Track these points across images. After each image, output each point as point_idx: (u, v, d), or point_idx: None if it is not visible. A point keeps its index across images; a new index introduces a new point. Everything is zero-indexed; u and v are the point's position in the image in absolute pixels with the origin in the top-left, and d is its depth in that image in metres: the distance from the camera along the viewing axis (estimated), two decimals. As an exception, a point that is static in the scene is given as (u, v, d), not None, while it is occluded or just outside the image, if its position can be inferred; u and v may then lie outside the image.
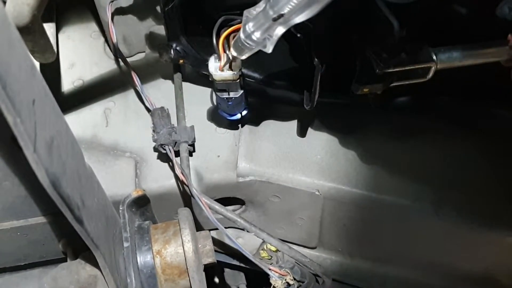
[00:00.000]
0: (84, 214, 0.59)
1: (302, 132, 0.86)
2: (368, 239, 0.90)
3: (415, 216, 0.82)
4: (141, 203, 0.79)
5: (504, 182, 0.81)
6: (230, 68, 0.69)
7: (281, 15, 0.51)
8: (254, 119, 0.87)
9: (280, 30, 0.54)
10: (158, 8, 0.91)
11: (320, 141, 0.86)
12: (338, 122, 0.87)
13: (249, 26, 0.57)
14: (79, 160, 0.61)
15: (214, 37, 0.66)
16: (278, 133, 0.87)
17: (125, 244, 0.72)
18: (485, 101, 0.84)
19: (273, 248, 0.96)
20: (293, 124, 0.88)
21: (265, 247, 0.97)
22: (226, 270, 1.18)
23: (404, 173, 0.83)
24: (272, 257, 0.97)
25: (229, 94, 0.74)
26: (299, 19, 0.51)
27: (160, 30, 0.92)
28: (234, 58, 0.66)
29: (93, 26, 1.04)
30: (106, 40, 1.00)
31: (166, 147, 0.79)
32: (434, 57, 0.67)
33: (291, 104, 0.85)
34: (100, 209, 0.68)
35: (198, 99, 0.90)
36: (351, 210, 0.84)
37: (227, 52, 0.67)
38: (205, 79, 0.91)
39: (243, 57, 0.63)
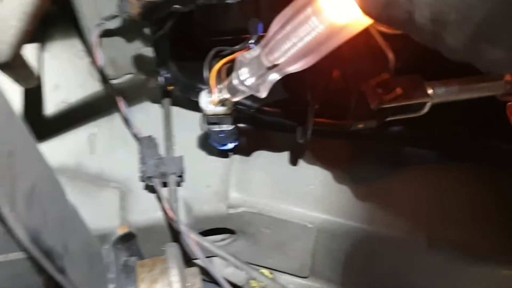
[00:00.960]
0: (67, 263, 0.55)
1: (294, 161, 0.84)
2: (361, 270, 0.88)
3: (408, 250, 0.80)
4: (127, 239, 0.76)
5: (498, 217, 0.80)
6: (223, 103, 0.66)
7: (276, 65, 0.49)
8: (245, 147, 0.85)
9: (274, 77, 0.52)
10: (146, 30, 0.88)
11: (313, 170, 0.84)
12: (331, 151, 0.85)
13: (243, 72, 0.54)
14: (62, 203, 0.58)
15: (207, 70, 0.63)
16: (271, 161, 0.84)
17: (110, 286, 0.69)
18: (481, 133, 0.82)
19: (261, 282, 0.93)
20: (286, 153, 0.85)
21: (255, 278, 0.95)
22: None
23: (398, 205, 0.81)
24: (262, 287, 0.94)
25: (220, 128, 0.71)
26: (293, 69, 0.49)
27: (148, 52, 0.89)
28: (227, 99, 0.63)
29: (79, 44, 1.00)
30: (92, 60, 0.96)
31: (153, 180, 0.76)
32: (430, 92, 0.65)
33: (284, 131, 0.83)
34: (84, 250, 0.65)
35: (188, 124, 0.87)
36: (344, 242, 0.82)
37: (219, 86, 0.64)
38: (195, 105, 0.88)
39: (236, 99, 0.60)
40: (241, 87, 0.55)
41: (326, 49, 0.45)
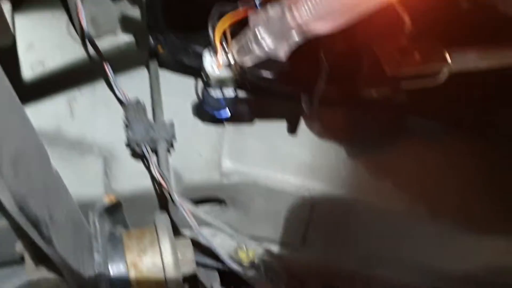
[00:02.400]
0: (53, 231, 0.51)
1: (292, 130, 0.79)
2: (356, 242, 0.85)
3: (409, 222, 0.77)
4: (113, 209, 0.71)
5: (499, 188, 0.78)
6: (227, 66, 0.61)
7: (301, 25, 0.44)
8: (240, 114, 0.80)
9: (297, 38, 0.47)
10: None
11: (310, 139, 0.80)
12: (329, 120, 0.81)
13: (261, 31, 0.49)
14: (47, 168, 0.53)
15: (210, 30, 0.58)
16: (266, 130, 0.80)
17: (96, 256, 0.64)
18: (486, 106, 0.80)
19: (252, 251, 0.90)
20: (282, 121, 0.81)
21: (244, 247, 0.91)
22: (199, 268, 1.11)
23: (398, 176, 0.78)
24: (252, 258, 0.91)
25: (222, 92, 0.66)
26: (320, 29, 0.44)
27: (135, 12, 0.82)
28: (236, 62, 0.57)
29: (55, 1, 0.92)
30: (70, 19, 0.88)
31: (143, 146, 0.70)
32: (449, 59, 0.62)
33: (281, 98, 0.78)
34: (68, 218, 0.60)
35: (177, 89, 0.81)
36: (341, 213, 0.79)
37: (226, 48, 0.58)
38: (185, 67, 0.82)
39: (248, 63, 0.55)
40: (257, 49, 0.50)
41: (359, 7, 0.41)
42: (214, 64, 0.61)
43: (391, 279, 0.93)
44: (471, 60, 0.61)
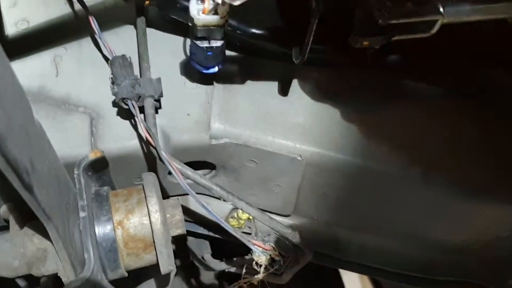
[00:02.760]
0: (34, 180, 0.48)
1: (284, 91, 0.77)
2: (348, 208, 0.84)
3: (402, 185, 0.76)
4: (99, 167, 0.69)
5: (496, 151, 0.77)
6: (216, 11, 0.58)
7: None
8: (230, 74, 0.77)
9: None
10: None
11: (303, 101, 0.78)
12: (324, 80, 0.79)
13: None
14: (28, 115, 0.50)
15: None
16: (257, 90, 0.78)
17: (81, 214, 0.62)
18: (484, 65, 0.78)
19: (245, 216, 0.89)
20: (274, 81, 0.78)
21: (235, 215, 0.90)
22: (190, 238, 1.10)
23: (393, 138, 0.76)
24: (243, 225, 0.89)
25: (209, 43, 0.64)
26: None
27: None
28: (223, 2, 0.55)
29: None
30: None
31: (129, 102, 0.68)
32: (441, 10, 0.60)
33: (273, 58, 0.76)
34: (52, 173, 0.58)
35: (164, 48, 0.79)
36: (334, 177, 0.77)
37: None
38: (172, 25, 0.79)
39: (237, 2, 0.52)
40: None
41: None
42: (201, 9, 0.59)
43: (384, 248, 0.92)
44: (464, 12, 0.59)
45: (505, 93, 0.80)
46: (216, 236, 0.91)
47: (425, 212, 0.81)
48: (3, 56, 0.44)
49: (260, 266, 0.64)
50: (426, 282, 0.96)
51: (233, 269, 0.94)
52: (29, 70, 0.77)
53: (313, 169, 0.77)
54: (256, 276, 0.66)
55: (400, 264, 0.94)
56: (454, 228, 0.85)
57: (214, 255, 1.08)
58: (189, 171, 0.64)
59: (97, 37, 0.75)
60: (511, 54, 0.75)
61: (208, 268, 1.05)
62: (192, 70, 0.74)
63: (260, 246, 0.63)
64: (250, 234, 0.84)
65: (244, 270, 0.77)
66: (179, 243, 1.33)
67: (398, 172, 0.75)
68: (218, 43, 0.64)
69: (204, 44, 0.64)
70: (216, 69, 0.71)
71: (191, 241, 1.09)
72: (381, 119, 0.77)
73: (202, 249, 1.09)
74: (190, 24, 0.61)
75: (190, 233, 0.95)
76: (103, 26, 0.79)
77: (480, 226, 0.84)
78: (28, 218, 0.64)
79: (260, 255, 0.63)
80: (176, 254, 1.39)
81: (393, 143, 0.76)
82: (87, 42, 0.80)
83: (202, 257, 1.08)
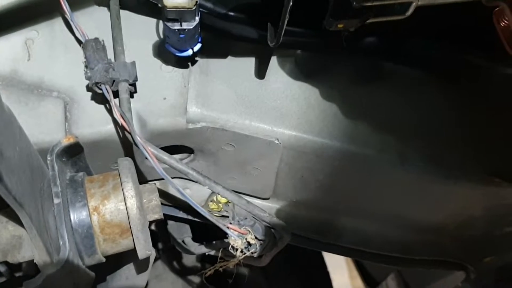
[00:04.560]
0: (3, 167, 0.48)
1: (260, 74, 0.77)
2: (327, 191, 0.84)
3: (379, 167, 0.77)
4: (73, 152, 0.68)
5: (472, 132, 0.77)
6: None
7: None
8: (206, 57, 0.77)
9: None
10: None
11: (280, 84, 0.77)
12: (300, 64, 0.78)
13: None
14: (-6, 100, 0.49)
15: None
16: (234, 74, 0.77)
17: (56, 200, 0.61)
18: (460, 47, 0.78)
19: (224, 200, 0.88)
20: (251, 65, 0.78)
21: (214, 199, 0.90)
22: (170, 222, 1.10)
23: (370, 121, 0.77)
24: (222, 208, 0.89)
25: (181, 25, 0.63)
26: None
27: None
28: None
29: None
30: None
31: (102, 86, 0.67)
32: (416, -10, 0.59)
33: (249, 41, 0.75)
34: (24, 160, 0.57)
35: (139, 31, 0.77)
36: (311, 160, 0.78)
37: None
38: (147, 7, 0.78)
39: None
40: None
41: None
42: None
43: (362, 229, 0.93)
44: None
45: (482, 75, 0.81)
46: (195, 219, 0.91)
47: (402, 193, 0.82)
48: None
49: (236, 249, 0.64)
50: (404, 262, 0.98)
51: (213, 252, 0.94)
52: (-1, 55, 0.75)
53: (290, 152, 0.77)
54: (232, 260, 0.66)
55: (379, 245, 0.95)
56: (430, 208, 0.86)
57: (196, 239, 1.08)
58: (164, 155, 0.64)
59: (69, 19, 0.73)
60: (489, 36, 0.75)
61: (188, 251, 1.05)
62: (168, 54, 0.73)
63: (235, 230, 0.64)
64: (228, 217, 0.84)
65: (220, 254, 0.77)
66: (161, 227, 1.33)
67: (374, 154, 0.75)
68: (190, 26, 0.63)
69: (176, 26, 0.62)
70: (190, 52, 0.70)
71: (171, 225, 1.09)
72: (357, 101, 0.77)
73: (182, 233, 1.09)
74: (160, 5, 0.60)
75: (170, 217, 0.95)
76: (75, 8, 0.77)
77: (454, 206, 0.86)
78: (2, 206, 0.64)
79: (236, 239, 0.63)
80: (159, 238, 1.40)
81: (370, 125, 0.76)
82: (59, 24, 0.78)
83: (183, 241, 1.09)
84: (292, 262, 1.49)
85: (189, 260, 1.49)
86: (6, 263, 0.72)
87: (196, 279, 1.45)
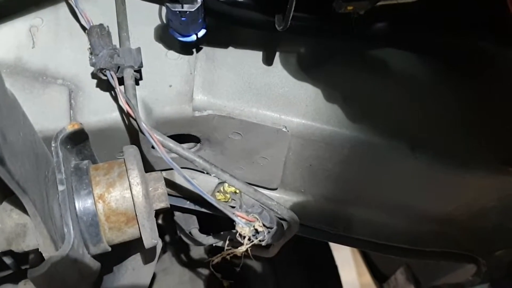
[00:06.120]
0: (6, 152, 0.47)
1: (268, 60, 0.75)
2: (335, 180, 0.83)
3: (389, 156, 0.75)
4: (78, 139, 0.67)
5: (484, 121, 0.76)
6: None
7: None
8: (212, 44, 0.75)
9: None
10: None
11: (288, 71, 0.76)
12: (308, 50, 0.77)
13: None
14: (-2, 85, 0.48)
15: None
16: (241, 60, 0.76)
17: (60, 188, 0.60)
18: (471, 34, 0.76)
19: (231, 190, 0.87)
20: (258, 52, 0.76)
21: (221, 189, 0.89)
22: (177, 213, 1.09)
23: (380, 109, 0.75)
24: (229, 199, 0.88)
25: (182, 7, 0.61)
26: None
27: None
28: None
29: None
30: None
31: (107, 72, 0.66)
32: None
33: (256, 27, 0.74)
34: (28, 146, 0.56)
35: (144, 17, 0.76)
36: (320, 148, 0.76)
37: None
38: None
39: None
40: None
41: None
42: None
43: (371, 220, 0.91)
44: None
45: (494, 63, 0.79)
46: (203, 210, 0.89)
47: (412, 183, 0.80)
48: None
49: (244, 237, 0.63)
50: (414, 253, 0.96)
51: (220, 244, 0.93)
52: (4, 42, 0.74)
53: (298, 140, 0.76)
54: (239, 248, 0.65)
55: (388, 236, 0.94)
56: (440, 199, 0.85)
57: (203, 231, 1.07)
58: (171, 143, 0.63)
59: (73, 5, 0.72)
60: (502, 21, 0.73)
61: (196, 243, 1.04)
62: (174, 40, 0.72)
63: (243, 217, 0.62)
64: (235, 207, 0.83)
65: (227, 242, 0.76)
66: (168, 220, 1.32)
67: (385, 142, 0.74)
68: (192, 8, 0.61)
69: (177, 8, 0.61)
70: (194, 37, 0.68)
71: (178, 216, 1.08)
72: (367, 89, 0.76)
73: (189, 224, 1.08)
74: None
75: (176, 208, 0.94)
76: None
77: (466, 196, 0.84)
78: (7, 194, 0.63)
79: (244, 226, 0.62)
80: (166, 230, 1.39)
81: (380, 114, 0.74)
82: (64, 11, 0.77)
83: (190, 232, 1.08)
84: (300, 254, 1.47)
85: (196, 253, 1.49)
86: (12, 255, 0.71)
87: (203, 272, 1.45)
